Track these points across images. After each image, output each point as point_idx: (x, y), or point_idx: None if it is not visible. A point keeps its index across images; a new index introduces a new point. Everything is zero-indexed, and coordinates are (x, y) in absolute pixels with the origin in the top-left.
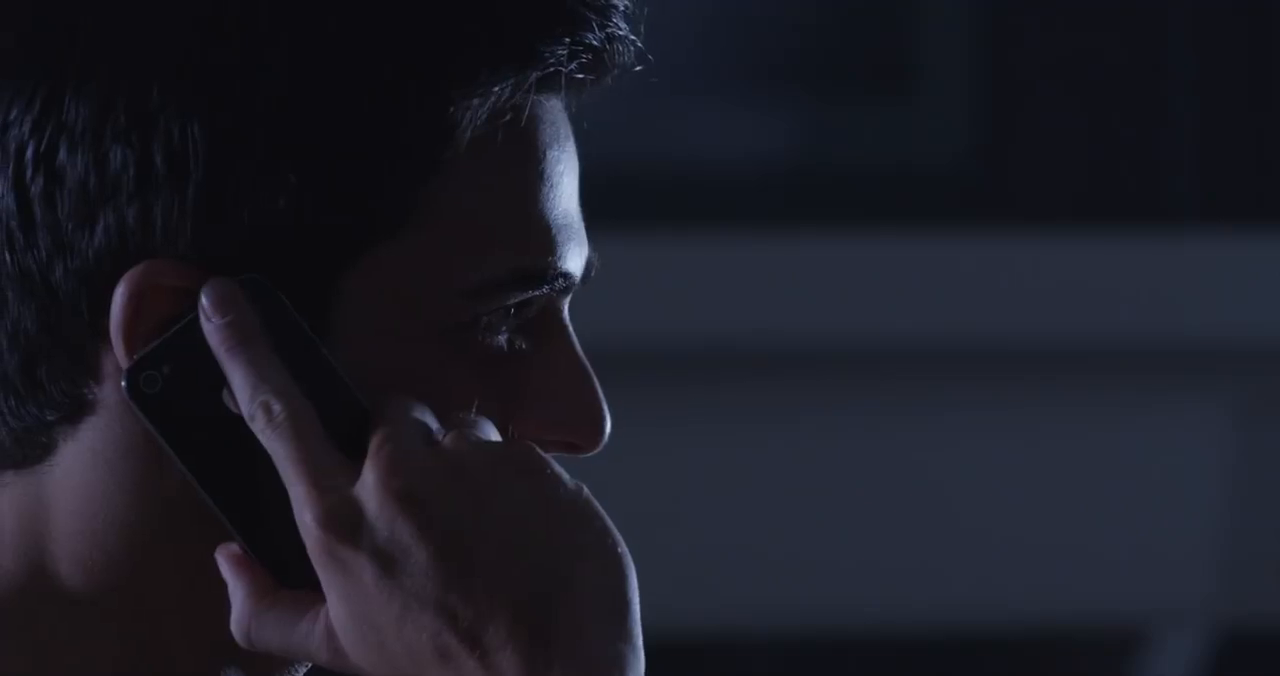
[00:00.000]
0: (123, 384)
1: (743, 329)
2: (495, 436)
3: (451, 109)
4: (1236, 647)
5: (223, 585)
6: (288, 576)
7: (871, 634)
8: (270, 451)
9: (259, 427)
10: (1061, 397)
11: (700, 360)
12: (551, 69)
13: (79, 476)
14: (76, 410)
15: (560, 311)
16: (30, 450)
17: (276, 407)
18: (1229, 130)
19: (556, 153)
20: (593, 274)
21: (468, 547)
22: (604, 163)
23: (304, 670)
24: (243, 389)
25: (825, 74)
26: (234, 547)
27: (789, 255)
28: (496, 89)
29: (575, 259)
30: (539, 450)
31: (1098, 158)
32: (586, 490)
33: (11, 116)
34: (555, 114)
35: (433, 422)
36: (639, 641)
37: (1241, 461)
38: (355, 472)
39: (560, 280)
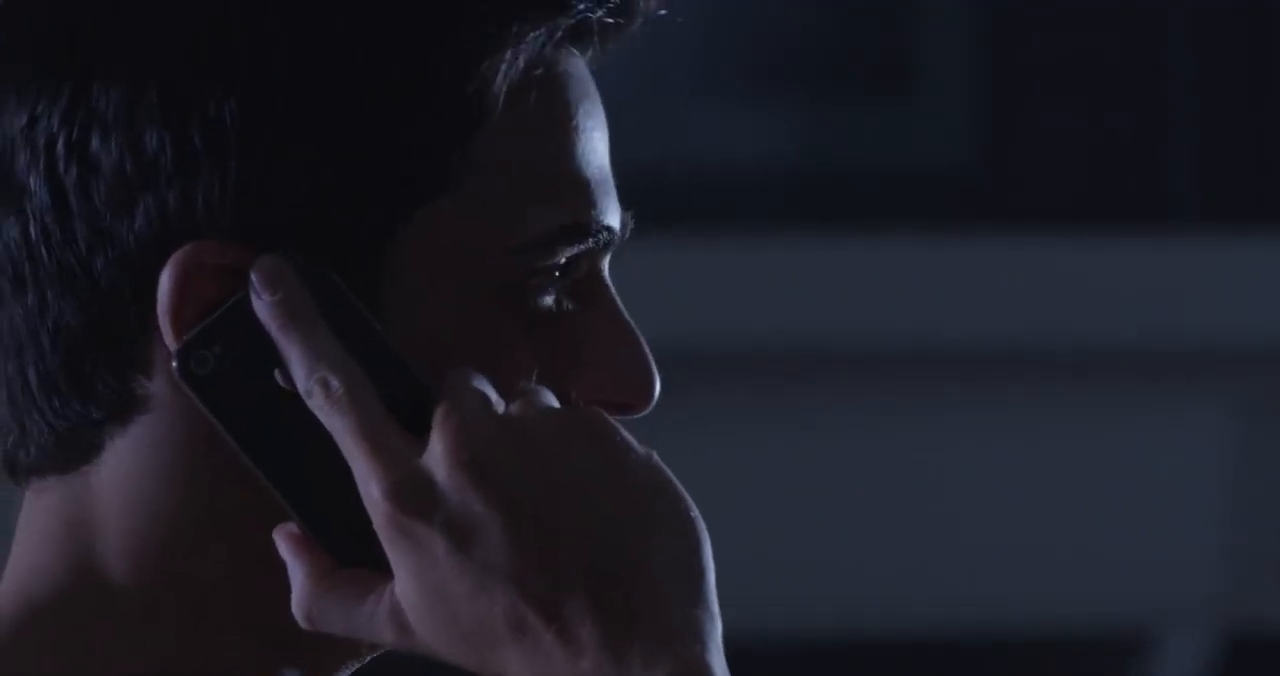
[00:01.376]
0: (173, 365)
1: (743, 330)
2: (556, 403)
3: (486, 63)
4: (1240, 648)
5: (279, 572)
6: (348, 555)
7: (874, 636)
8: (330, 427)
9: (317, 403)
10: (1063, 399)
11: (701, 361)
12: (581, 15)
13: (128, 474)
14: (125, 406)
15: (603, 271)
16: (76, 451)
17: (334, 382)
18: (1229, 131)
19: (589, 107)
20: (628, 233)
21: (541, 517)
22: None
23: (358, 666)
24: (298, 365)
25: (826, 75)
26: (292, 528)
27: (789, 256)
28: (527, 41)
29: (614, 214)
30: (606, 416)
31: (1098, 159)
32: (656, 455)
33: (38, 110)
34: (582, 70)
35: (492, 391)
36: (715, 607)
37: (1243, 462)
38: (419, 445)
39: (604, 233)
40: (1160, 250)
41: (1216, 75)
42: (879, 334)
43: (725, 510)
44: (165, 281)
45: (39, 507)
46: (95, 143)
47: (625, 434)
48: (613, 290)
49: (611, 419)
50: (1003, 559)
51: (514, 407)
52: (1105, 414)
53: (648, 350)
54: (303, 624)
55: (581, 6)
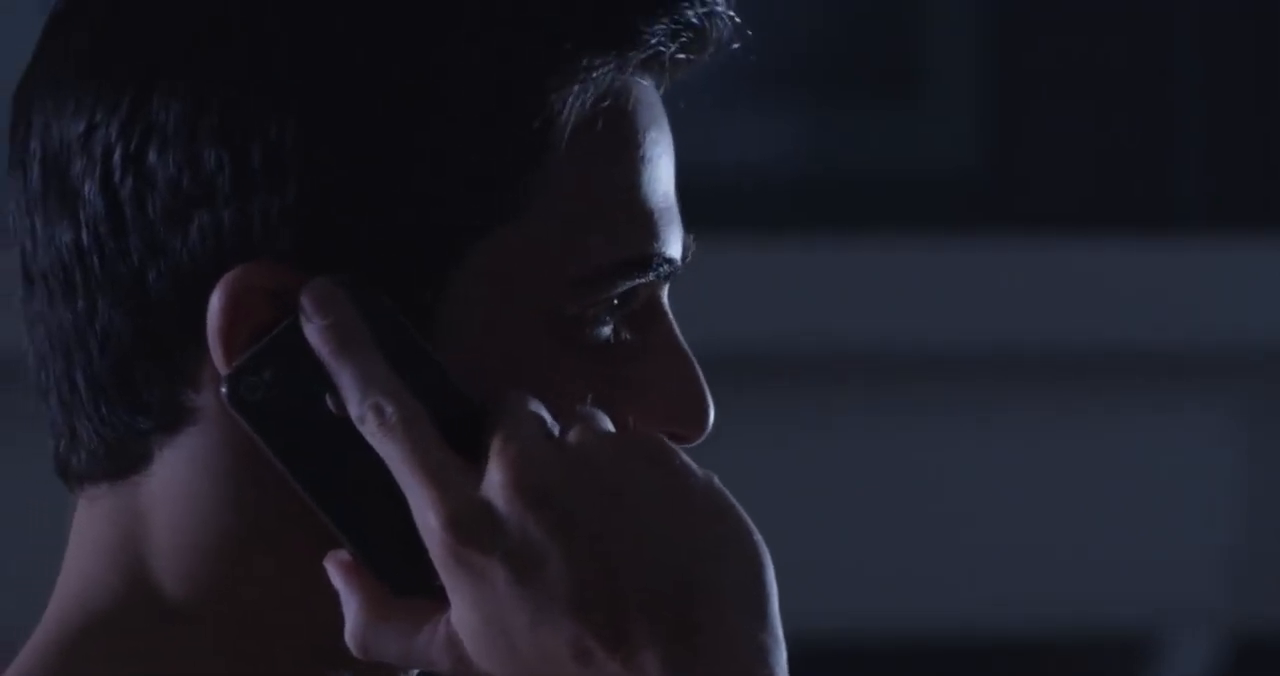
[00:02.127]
0: (223, 390)
1: (748, 333)
2: (613, 428)
3: (553, 95)
4: (1245, 651)
5: (329, 593)
6: (402, 583)
7: (878, 638)
8: (384, 455)
9: (370, 430)
10: (1069, 402)
11: (707, 364)
12: (653, 50)
13: (178, 486)
14: (174, 418)
15: (661, 300)
16: (125, 460)
17: (388, 409)
18: (1236, 135)
19: (655, 134)
20: (689, 258)
21: (603, 545)
22: None
23: None
24: (351, 391)
25: (832, 80)
26: (344, 555)
27: (795, 259)
28: (597, 73)
29: (676, 243)
30: (666, 440)
31: (1104, 162)
32: (717, 479)
33: (97, 119)
34: (651, 95)
35: (548, 417)
36: (779, 631)
37: (1249, 465)
38: (476, 472)
39: (665, 266)
40: (1166, 253)
41: (1223, 79)
42: (884, 337)
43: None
44: (215, 303)
45: (93, 515)
46: (153, 155)
47: (685, 457)
48: (671, 319)
49: (670, 443)
50: (1008, 561)
51: (572, 433)
52: (1112, 417)
53: (704, 381)
54: (357, 653)
55: (654, 41)
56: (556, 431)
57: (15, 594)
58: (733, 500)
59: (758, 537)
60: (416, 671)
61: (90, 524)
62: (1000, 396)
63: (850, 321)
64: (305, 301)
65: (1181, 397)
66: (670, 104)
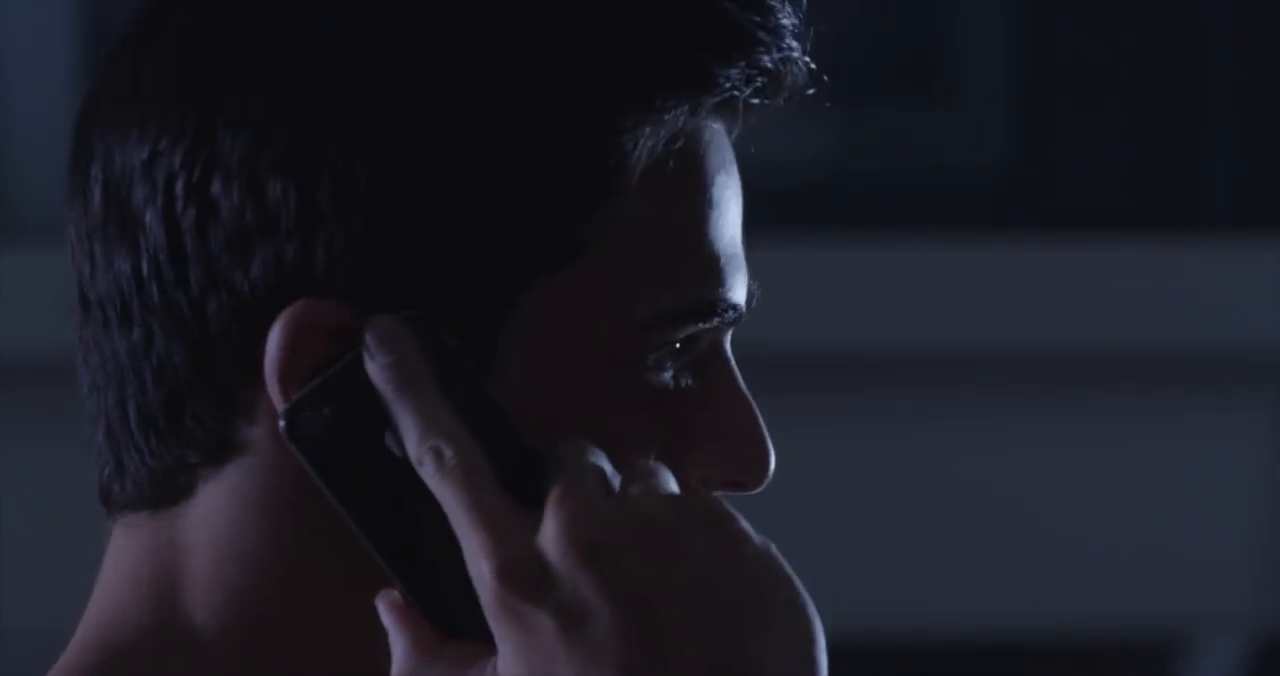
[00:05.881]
0: (281, 425)
1: (777, 334)
2: (674, 485)
3: (624, 136)
4: (1278, 653)
5: (371, 634)
6: (450, 624)
7: (908, 641)
8: (440, 498)
9: (429, 473)
10: (1099, 403)
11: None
12: (727, 94)
13: (220, 520)
14: (222, 451)
15: (724, 346)
16: (169, 492)
17: (448, 452)
18: (1267, 134)
19: (724, 178)
20: (753, 303)
21: (655, 607)
22: None
23: None
24: (411, 432)
25: (859, 81)
26: (395, 595)
27: (822, 259)
28: (670, 116)
29: (741, 289)
30: (725, 503)
31: (1134, 162)
32: (774, 546)
33: (160, 146)
34: (721, 138)
35: (608, 467)
36: None
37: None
38: (532, 522)
39: (730, 312)
40: (1196, 253)
41: (1253, 78)
42: (914, 337)
43: (770, 512)
44: (275, 337)
45: (129, 544)
46: (216, 186)
47: (743, 522)
48: (734, 365)
49: (729, 507)
50: (1037, 563)
51: (632, 489)
52: (1140, 418)
53: (765, 429)
54: None
55: (729, 84)
56: (616, 483)
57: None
58: (788, 569)
59: (812, 610)
60: None
61: (126, 552)
62: (1029, 397)
63: (878, 321)
64: (369, 338)
65: (1211, 399)
66: None
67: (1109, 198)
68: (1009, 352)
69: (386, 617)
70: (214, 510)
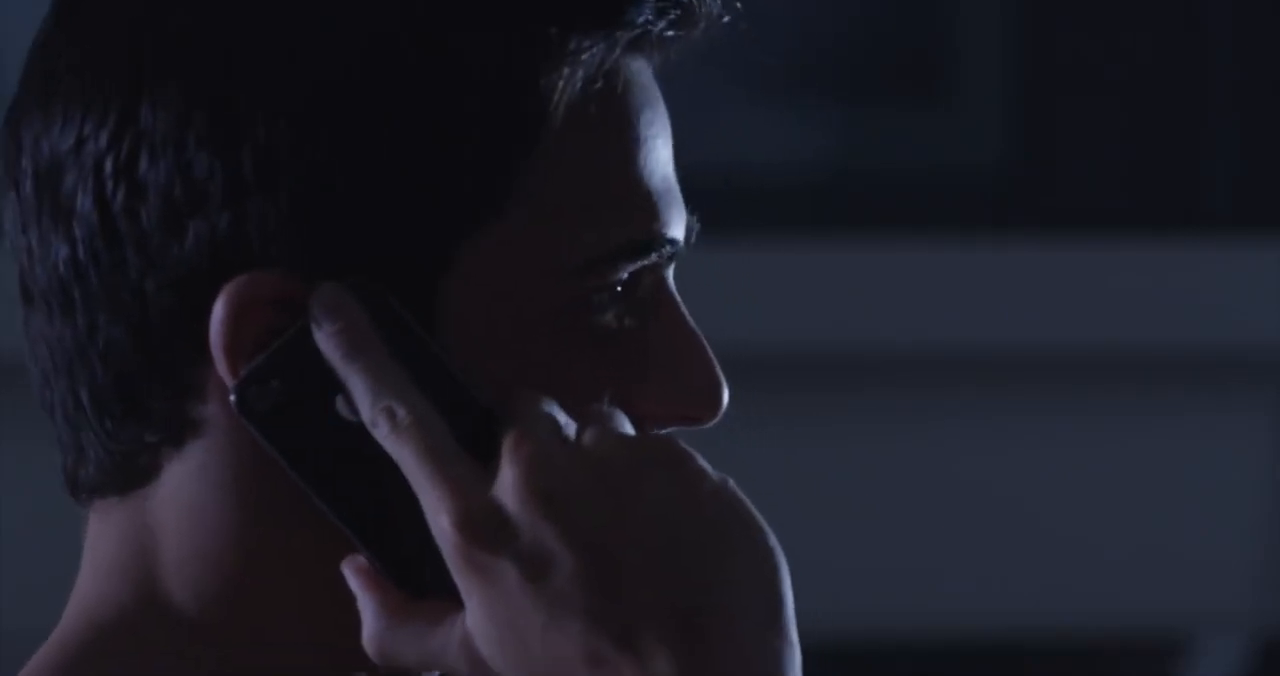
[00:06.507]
0: (231, 400)
1: (777, 334)
2: (629, 428)
3: (542, 81)
4: (1277, 653)
5: (340, 599)
6: (417, 586)
7: (908, 642)
8: (397, 457)
9: (383, 434)
10: (1100, 403)
11: (732, 365)
12: (641, 29)
13: (186, 498)
14: (180, 430)
15: (667, 282)
16: (133, 474)
17: (401, 412)
18: (1268, 134)
19: (650, 115)
20: (693, 239)
21: (616, 549)
22: None
23: None
24: (363, 395)
25: (859, 80)
26: (360, 560)
27: (822, 259)
28: (586, 56)
29: (678, 224)
30: (681, 443)
31: (1134, 162)
32: (732, 482)
33: (86, 131)
34: (644, 75)
35: (561, 416)
36: (794, 636)
37: None
38: (488, 474)
39: (667, 247)
40: (1197, 254)
41: (1255, 78)
42: (914, 337)
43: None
44: (218, 314)
45: (103, 529)
46: (144, 164)
47: (701, 461)
48: (678, 300)
49: (686, 447)
50: (1038, 564)
51: (587, 435)
52: (1140, 418)
53: (714, 360)
54: (374, 657)
55: (641, 19)
56: (571, 431)
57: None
58: (748, 504)
59: (773, 541)
60: (434, 675)
61: (101, 538)
62: (1029, 398)
63: (879, 321)
64: (315, 307)
65: (1212, 399)
66: (701, 105)
67: (1109, 198)
68: (1009, 352)
69: (353, 582)
70: (180, 488)
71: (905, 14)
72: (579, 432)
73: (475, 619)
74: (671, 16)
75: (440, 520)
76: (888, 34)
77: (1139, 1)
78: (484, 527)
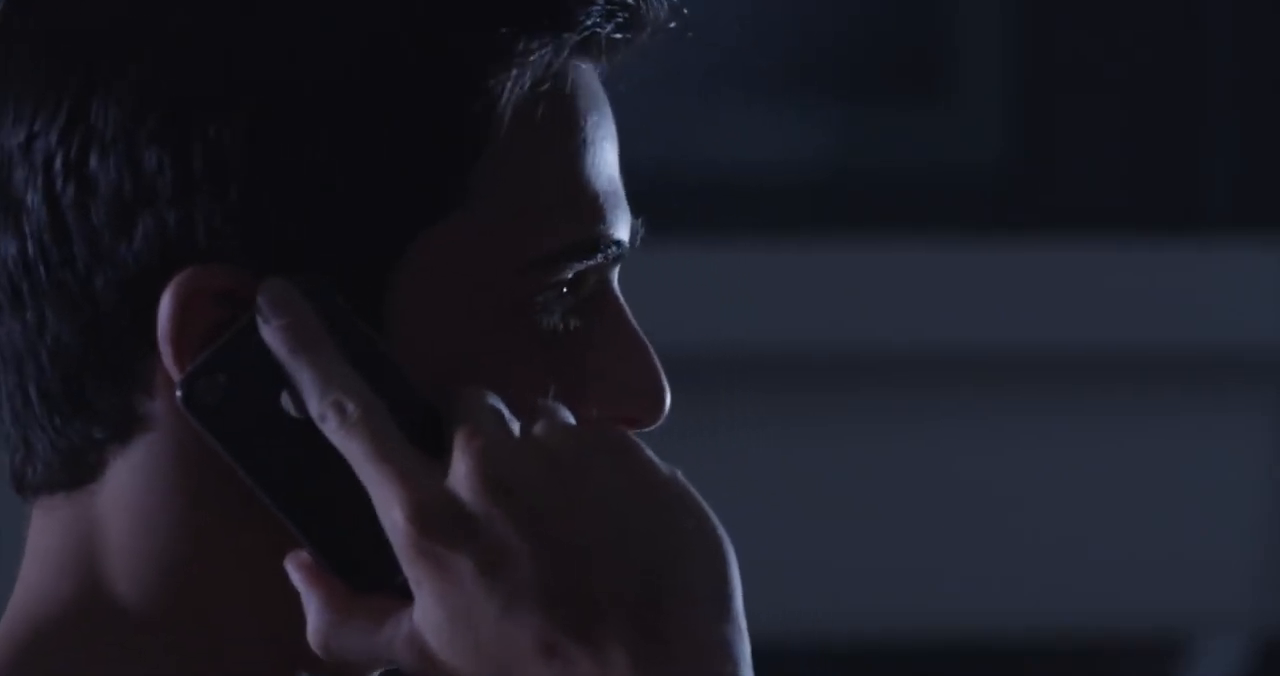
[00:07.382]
0: (178, 395)
1: (777, 334)
2: (575, 422)
3: (490, 82)
4: (1277, 653)
5: (287, 594)
6: (363, 580)
7: (910, 640)
8: (345, 451)
9: (331, 428)
10: (1100, 403)
11: (732, 365)
12: (588, 31)
13: (133, 494)
14: (127, 426)
15: (611, 284)
16: (80, 470)
17: (350, 406)
18: (1268, 134)
19: (596, 118)
20: (638, 242)
21: (570, 538)
22: (635, 168)
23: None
24: (311, 389)
25: (859, 79)
26: (304, 556)
27: (822, 260)
28: (534, 57)
29: (623, 225)
30: (630, 434)
31: (1133, 162)
32: (680, 474)
33: (36, 127)
34: (591, 78)
35: (506, 410)
36: (743, 623)
37: None
38: (439, 467)
39: (613, 248)
40: (1196, 254)
41: (1254, 78)
42: (913, 337)
43: (757, 516)
44: (165, 308)
45: (47, 526)
46: (94, 161)
47: (649, 452)
48: (621, 302)
49: (634, 436)
50: (1038, 564)
51: (537, 427)
52: (1139, 418)
53: (657, 362)
54: (319, 652)
55: (588, 23)
56: (516, 426)
57: None
58: (696, 494)
59: (721, 531)
60: (379, 672)
61: (45, 534)
62: (1027, 397)
63: (878, 321)
64: (262, 302)
65: (1212, 399)
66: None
67: (1109, 197)
68: (1008, 353)
69: (296, 578)
70: (126, 484)
71: (905, 13)
72: (529, 425)
73: (425, 611)
74: (619, 19)
75: (393, 513)
76: (887, 33)
77: (1139, 1)
78: (438, 519)
